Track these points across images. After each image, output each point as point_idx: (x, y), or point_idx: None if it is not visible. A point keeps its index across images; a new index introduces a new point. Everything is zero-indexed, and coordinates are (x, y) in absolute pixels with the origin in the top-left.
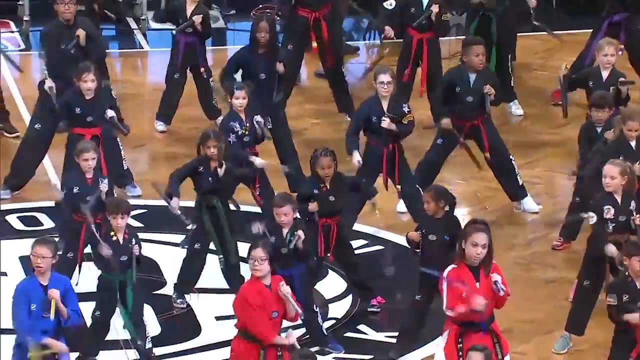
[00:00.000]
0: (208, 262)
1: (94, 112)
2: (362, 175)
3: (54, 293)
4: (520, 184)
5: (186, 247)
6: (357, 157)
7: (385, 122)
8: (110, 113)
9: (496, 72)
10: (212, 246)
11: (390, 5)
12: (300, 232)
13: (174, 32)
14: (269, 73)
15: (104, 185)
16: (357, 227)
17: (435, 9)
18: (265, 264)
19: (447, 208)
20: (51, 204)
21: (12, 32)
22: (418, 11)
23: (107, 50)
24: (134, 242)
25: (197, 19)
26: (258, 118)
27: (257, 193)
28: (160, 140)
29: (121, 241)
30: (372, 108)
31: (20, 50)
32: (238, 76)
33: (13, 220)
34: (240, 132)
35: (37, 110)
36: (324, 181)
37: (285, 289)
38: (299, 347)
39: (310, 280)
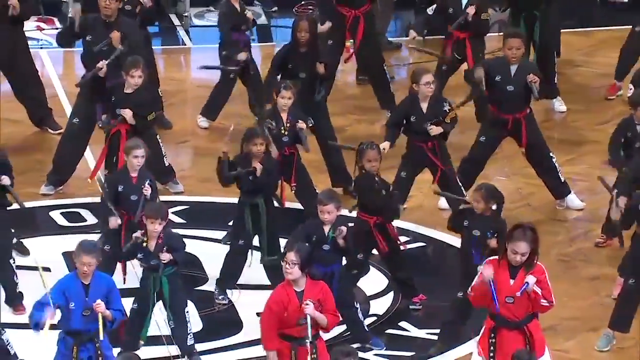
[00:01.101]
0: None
1: (126, 107)
2: (405, 171)
3: (100, 307)
4: (562, 180)
5: (228, 243)
6: (385, 145)
7: (433, 130)
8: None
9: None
10: (255, 242)
11: (432, 10)
12: (342, 228)
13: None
14: (309, 72)
15: (146, 190)
16: (398, 223)
17: (471, 10)
18: (296, 268)
19: (494, 207)
20: (93, 199)
21: (56, 28)
22: (457, 12)
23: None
24: (164, 250)
25: (250, 15)
26: (301, 125)
27: (294, 191)
28: (203, 137)
29: (152, 247)
30: (411, 108)
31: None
32: None
33: (56, 216)
34: (275, 131)
35: (77, 105)
36: (371, 174)
37: (307, 309)
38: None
39: (351, 277)
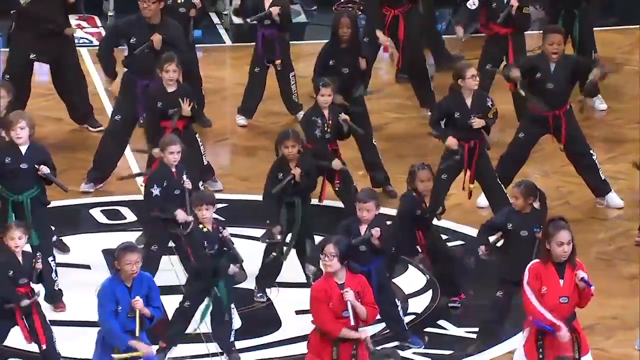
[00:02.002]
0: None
1: (176, 105)
2: (446, 173)
3: (138, 303)
4: (603, 178)
5: (267, 241)
6: (451, 142)
7: (475, 122)
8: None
9: None
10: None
11: (474, 5)
12: (376, 229)
13: (249, 20)
14: (352, 68)
15: (187, 183)
16: (437, 222)
17: (514, 2)
18: (335, 260)
19: (535, 204)
20: (133, 197)
21: (98, 27)
22: (499, 6)
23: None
24: (222, 230)
25: (275, 10)
26: (343, 116)
27: (337, 189)
28: (242, 135)
29: (211, 231)
30: (455, 103)
31: None
32: None
33: (96, 213)
34: (322, 128)
35: (119, 103)
36: (422, 194)
37: (348, 295)
38: (371, 346)
39: (390, 275)
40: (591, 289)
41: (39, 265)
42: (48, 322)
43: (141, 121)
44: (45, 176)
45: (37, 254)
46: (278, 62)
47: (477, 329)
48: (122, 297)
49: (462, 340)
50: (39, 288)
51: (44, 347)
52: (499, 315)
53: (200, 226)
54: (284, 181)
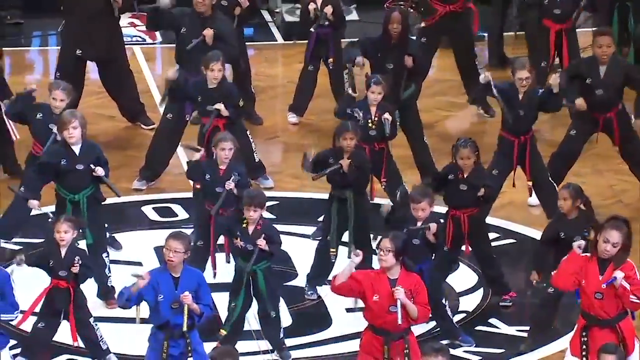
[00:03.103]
0: (340, 254)
1: (215, 103)
2: (497, 167)
3: (187, 299)
4: None
5: (317, 239)
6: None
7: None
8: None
9: (636, 63)
10: (344, 238)
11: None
12: (432, 225)
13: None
14: (397, 65)
15: (229, 183)
16: (488, 220)
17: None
18: (390, 255)
19: (582, 206)
20: (185, 195)
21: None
22: (552, 3)
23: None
24: (262, 236)
25: (328, 9)
26: (387, 116)
27: (384, 187)
28: (293, 132)
29: (250, 232)
30: (510, 93)
31: (159, 43)
32: None
33: (148, 211)
34: (362, 123)
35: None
36: (461, 169)
37: (398, 294)
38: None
39: (440, 274)
40: (627, 289)
41: (75, 269)
42: (90, 320)
43: (189, 119)
44: (100, 178)
45: (77, 258)
46: (331, 60)
47: (528, 327)
48: (165, 286)
49: (513, 339)
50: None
51: (75, 343)
52: (549, 313)
53: (244, 225)
54: (332, 167)
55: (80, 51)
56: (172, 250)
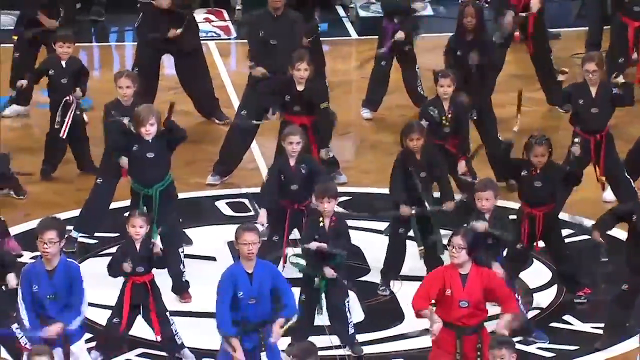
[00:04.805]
0: (410, 249)
1: (302, 102)
2: (573, 164)
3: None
4: None
5: (389, 234)
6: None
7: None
8: None
9: None
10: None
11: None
12: (482, 224)
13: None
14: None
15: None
16: (562, 216)
17: None
18: (463, 252)
19: None
20: (259, 190)
21: (225, 20)
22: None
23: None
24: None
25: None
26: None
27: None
28: (367, 128)
29: (326, 227)
30: (580, 92)
31: (234, 39)
32: None
33: (222, 206)
34: (438, 120)
35: (245, 96)
36: (535, 166)
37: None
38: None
39: (512, 269)
40: None
41: (157, 250)
42: (166, 314)
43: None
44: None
45: (152, 239)
46: (404, 55)
47: (603, 325)
48: (242, 283)
49: (588, 336)
50: None
51: (158, 338)
52: (625, 310)
53: (320, 219)
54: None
55: (157, 48)
56: (250, 244)
